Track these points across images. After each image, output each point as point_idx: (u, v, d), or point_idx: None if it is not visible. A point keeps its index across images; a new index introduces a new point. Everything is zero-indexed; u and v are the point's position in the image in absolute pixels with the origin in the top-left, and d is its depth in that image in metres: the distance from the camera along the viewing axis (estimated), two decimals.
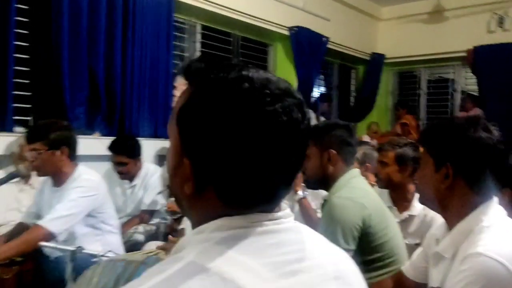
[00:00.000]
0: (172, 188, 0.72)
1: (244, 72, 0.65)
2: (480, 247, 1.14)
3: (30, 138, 2.22)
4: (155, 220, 3.27)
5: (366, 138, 6.21)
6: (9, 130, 3.04)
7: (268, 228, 0.66)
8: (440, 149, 1.29)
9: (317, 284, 0.67)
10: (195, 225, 0.69)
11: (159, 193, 3.00)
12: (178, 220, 3.31)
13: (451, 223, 1.29)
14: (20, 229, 2.41)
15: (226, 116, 0.62)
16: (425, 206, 2.30)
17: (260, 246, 0.64)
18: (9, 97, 3.04)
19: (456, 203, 1.27)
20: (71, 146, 2.27)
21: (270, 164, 0.64)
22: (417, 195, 2.37)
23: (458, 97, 6.93)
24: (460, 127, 1.26)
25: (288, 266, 0.64)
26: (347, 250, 1.71)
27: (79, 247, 1.81)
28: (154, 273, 0.60)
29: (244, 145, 0.62)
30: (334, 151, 1.87)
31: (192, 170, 0.66)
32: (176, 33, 4.47)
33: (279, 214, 0.68)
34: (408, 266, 1.58)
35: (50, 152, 2.19)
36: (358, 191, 1.84)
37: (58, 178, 2.29)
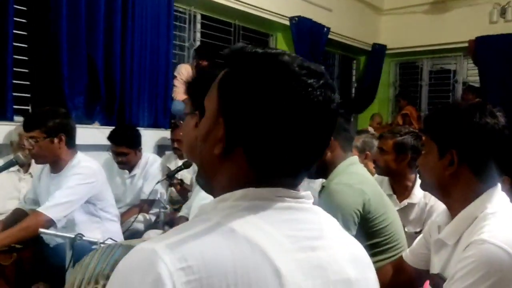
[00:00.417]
0: (200, 155, 0.74)
1: (285, 51, 0.71)
2: (484, 234, 1.13)
3: (28, 126, 2.22)
4: (155, 210, 3.27)
5: (370, 129, 6.18)
6: (9, 119, 3.03)
7: (290, 205, 0.69)
8: (445, 135, 1.25)
9: (332, 261, 0.69)
10: (218, 192, 0.71)
11: (158, 182, 2.99)
12: (178, 210, 3.31)
13: (454, 210, 1.27)
14: (17, 215, 2.41)
15: (267, 83, 0.66)
16: (425, 195, 2.32)
17: (283, 219, 0.67)
18: (9, 86, 3.04)
19: (459, 190, 1.25)
20: (69, 133, 2.26)
21: (299, 135, 0.67)
22: (417, 183, 2.36)
23: (459, 88, 6.90)
24: (466, 113, 1.23)
25: (307, 241, 0.67)
26: None
27: (79, 234, 1.80)
28: (183, 229, 0.63)
29: (278, 112, 0.65)
30: (331, 138, 1.87)
31: (226, 130, 0.68)
32: (176, 23, 4.45)
33: (302, 193, 0.71)
34: (408, 252, 1.57)
35: (48, 140, 2.19)
36: (356, 177, 1.84)
37: (57, 165, 2.29)
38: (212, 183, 0.73)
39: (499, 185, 1.27)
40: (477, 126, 1.20)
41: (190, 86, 1.26)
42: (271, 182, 0.68)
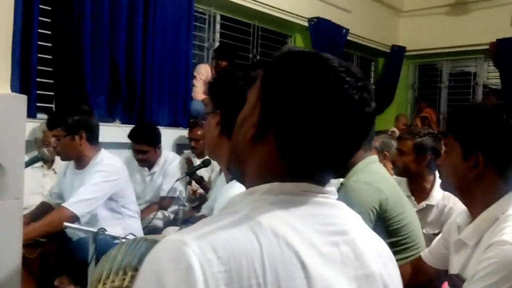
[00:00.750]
0: (235, 142, 0.77)
1: (325, 54, 0.73)
2: (505, 235, 1.13)
3: (50, 124, 2.29)
4: (174, 207, 3.31)
5: (395, 131, 6.12)
6: (33, 116, 3.10)
7: (316, 200, 0.70)
8: (470, 136, 1.23)
9: (357, 257, 0.70)
10: (248, 181, 0.73)
11: (178, 180, 3.03)
12: (196, 208, 3.35)
13: (475, 211, 1.27)
14: (43, 208, 2.48)
15: (310, 77, 0.68)
16: (444, 196, 2.31)
17: (308, 214, 0.68)
18: (33, 84, 3.11)
19: (482, 191, 1.24)
20: (90, 130, 2.31)
21: (332, 132, 0.68)
22: (436, 185, 2.36)
23: (480, 91, 6.81)
24: (492, 113, 1.21)
25: (332, 236, 0.69)
26: None
27: (101, 228, 1.84)
28: (211, 222, 0.64)
29: (312, 103, 0.67)
30: None
31: (261, 115, 0.71)
32: (196, 23, 4.50)
33: (327, 189, 0.73)
34: (427, 252, 1.57)
35: (69, 137, 2.25)
36: (375, 176, 1.85)
37: (80, 161, 2.35)
38: (243, 169, 0.75)
39: None
40: (504, 127, 1.19)
41: (211, 86, 1.28)
42: (298, 174, 0.70)
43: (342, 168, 0.75)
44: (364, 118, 0.70)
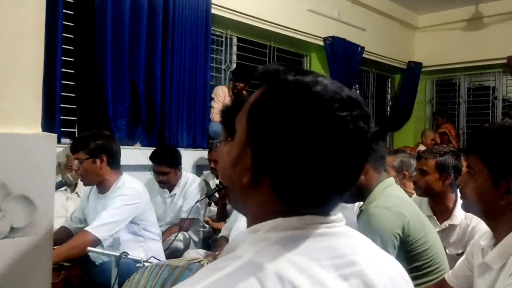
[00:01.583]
0: (230, 180, 0.74)
1: (319, 78, 0.68)
2: None
3: (74, 148, 2.35)
4: (194, 229, 3.33)
5: (421, 147, 6.06)
6: (57, 141, 3.17)
7: (321, 231, 0.67)
8: (502, 163, 1.19)
9: None
10: (250, 221, 0.71)
11: (198, 201, 3.05)
12: (215, 229, 3.36)
13: (499, 233, 1.24)
14: (63, 233, 2.52)
15: (296, 114, 0.64)
16: (466, 216, 2.27)
17: (314, 248, 0.65)
18: (57, 109, 3.20)
19: (509, 215, 1.21)
20: (111, 154, 2.36)
21: (328, 167, 0.65)
22: (458, 204, 2.32)
23: (499, 105, 6.74)
24: None
25: (341, 270, 0.66)
26: None
27: (124, 252, 1.87)
28: (212, 271, 0.62)
29: (307, 143, 0.64)
30: None
31: (253, 161, 0.68)
32: (213, 46, 4.58)
33: (332, 218, 0.70)
34: (450, 274, 1.55)
35: (91, 160, 2.30)
36: (394, 200, 1.83)
37: (102, 185, 2.39)
38: (244, 209, 0.73)
39: None
40: None
41: (223, 114, 1.29)
42: (300, 211, 0.67)
43: (347, 194, 0.71)
44: (361, 146, 0.67)
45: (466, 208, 1.38)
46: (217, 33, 4.72)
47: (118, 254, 1.87)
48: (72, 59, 3.46)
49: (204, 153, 3.99)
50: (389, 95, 7.48)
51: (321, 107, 0.65)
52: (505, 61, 6.20)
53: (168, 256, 2.69)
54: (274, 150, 0.65)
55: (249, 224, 0.71)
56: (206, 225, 3.22)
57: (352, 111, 0.66)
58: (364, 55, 5.97)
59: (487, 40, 6.40)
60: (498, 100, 6.77)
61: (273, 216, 0.67)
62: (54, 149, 1.14)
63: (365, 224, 1.78)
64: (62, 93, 3.26)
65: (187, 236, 3.27)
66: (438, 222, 2.36)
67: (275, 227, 0.66)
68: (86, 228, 2.23)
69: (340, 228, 0.70)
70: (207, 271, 0.63)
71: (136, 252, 2.22)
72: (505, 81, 6.75)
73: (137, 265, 1.79)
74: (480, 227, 2.14)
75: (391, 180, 1.96)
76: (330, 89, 0.66)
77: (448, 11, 6.67)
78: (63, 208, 3.01)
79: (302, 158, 0.64)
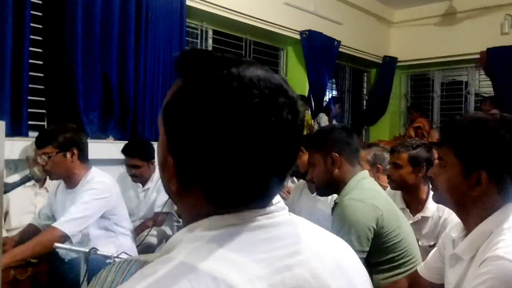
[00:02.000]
0: (163, 183, 0.71)
1: (233, 70, 0.62)
2: (499, 250, 1.12)
3: (40, 143, 2.27)
4: (168, 223, 3.28)
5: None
6: (24, 134, 3.08)
7: (260, 223, 0.64)
8: (473, 154, 1.20)
9: (313, 277, 0.65)
10: (185, 221, 0.68)
11: None
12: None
13: (469, 225, 1.25)
14: (31, 230, 2.45)
15: (212, 115, 0.60)
16: (438, 208, 2.30)
17: (253, 243, 0.62)
18: (24, 102, 3.09)
19: (479, 206, 1.22)
20: (81, 147, 2.30)
21: (256, 164, 0.61)
22: (431, 196, 2.34)
23: (472, 100, 6.87)
24: (495, 132, 1.18)
25: (282, 261, 0.63)
26: (361, 251, 1.71)
27: (93, 248, 1.82)
28: (144, 275, 0.58)
29: (228, 145, 0.60)
30: (336, 154, 1.88)
31: (176, 169, 0.65)
32: (188, 38, 4.51)
33: (272, 208, 0.66)
34: (423, 266, 1.57)
35: (61, 155, 2.23)
36: (368, 192, 1.84)
37: (71, 180, 2.32)
38: (180, 211, 0.72)
39: None
40: (508, 146, 1.16)
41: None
42: (234, 210, 0.64)
43: (283, 183, 0.67)
44: (288, 136, 0.63)
45: (437, 199, 1.38)
46: (192, 25, 4.65)
47: (87, 250, 1.82)
48: (40, 50, 3.35)
49: None
50: (365, 90, 7.54)
51: (237, 104, 0.60)
52: (478, 56, 6.32)
53: (141, 252, 2.64)
54: (196, 155, 0.62)
55: (185, 224, 0.68)
56: (180, 220, 3.17)
57: (274, 102, 0.61)
58: (340, 49, 5.99)
59: (460, 35, 6.50)
60: (470, 94, 6.90)
61: (207, 216, 0.64)
62: (2, 136, 1.08)
63: (340, 216, 1.79)
64: (29, 85, 3.15)
65: (161, 231, 3.23)
66: (411, 214, 2.38)
67: (211, 225, 0.63)
68: (53, 224, 2.17)
69: (281, 217, 0.67)
70: (137, 278, 0.59)
71: (107, 247, 2.17)
72: (477, 76, 6.88)
73: (107, 261, 1.74)
74: (452, 219, 2.17)
75: (365, 173, 1.97)
76: (247, 82, 0.61)
77: (423, 6, 6.75)
78: (31, 204, 2.92)
79: (226, 159, 0.61)
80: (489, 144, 1.18)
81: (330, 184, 1.91)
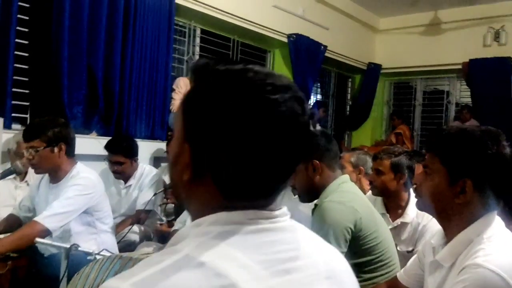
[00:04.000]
0: (173, 176, 0.74)
1: (249, 66, 0.68)
2: (479, 258, 1.13)
3: (28, 136, 2.22)
4: (150, 221, 3.27)
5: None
6: (7, 127, 3.04)
7: (264, 226, 0.67)
8: (459, 163, 1.22)
9: (309, 283, 0.68)
10: (193, 216, 0.70)
11: (156, 194, 3.00)
12: (170, 222, 3.32)
13: (451, 232, 1.27)
14: (11, 221, 2.42)
15: (228, 103, 0.64)
16: (418, 214, 2.34)
17: (256, 244, 0.65)
18: (8, 94, 3.05)
19: (462, 215, 1.24)
20: (69, 142, 2.27)
21: (268, 154, 0.64)
22: (411, 203, 2.39)
23: (452, 109, 7.01)
24: (481, 142, 1.20)
25: (282, 264, 0.65)
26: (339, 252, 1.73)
27: (74, 244, 1.80)
28: (150, 264, 0.61)
29: (243, 132, 0.63)
30: (316, 161, 1.90)
31: (192, 156, 0.67)
32: (176, 36, 4.50)
33: (276, 212, 0.69)
34: (402, 273, 1.59)
35: (48, 149, 2.19)
36: (348, 195, 1.87)
37: (56, 174, 2.29)
38: (188, 204, 0.73)
39: (496, 210, 1.26)
40: (492, 156, 1.19)
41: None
42: (243, 205, 0.67)
43: (287, 183, 0.70)
44: (298, 129, 0.66)
45: (420, 206, 1.40)
46: (181, 23, 4.65)
47: (68, 246, 1.81)
48: (26, 42, 3.30)
49: (162, 145, 3.93)
50: (349, 95, 7.62)
51: (252, 92, 0.64)
52: (460, 66, 6.44)
53: (121, 249, 2.63)
54: (212, 143, 0.65)
55: (193, 218, 0.70)
56: (163, 218, 3.17)
57: (285, 94, 0.65)
58: (326, 54, 6.05)
59: (443, 45, 6.62)
60: (451, 104, 7.04)
61: (216, 211, 0.66)
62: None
63: (319, 217, 1.82)
64: (14, 77, 3.11)
65: (142, 229, 3.21)
66: (390, 219, 2.42)
67: (217, 221, 0.66)
68: (35, 218, 2.14)
69: (284, 223, 0.70)
70: (143, 265, 0.61)
71: (88, 244, 2.15)
72: (459, 86, 7.02)
73: (88, 257, 1.73)
74: (431, 225, 2.22)
75: (346, 177, 2.00)
76: (261, 74, 0.66)
77: (409, 15, 6.86)
78: (11, 196, 2.88)
79: (240, 147, 0.64)
80: (476, 153, 1.20)
81: (311, 191, 1.93)
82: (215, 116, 0.64)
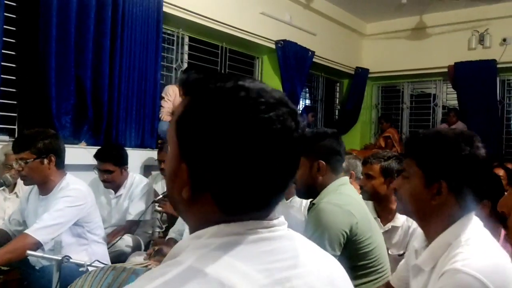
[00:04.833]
0: (171, 193, 0.74)
1: (240, 82, 0.68)
2: (457, 263, 1.14)
3: (17, 147, 2.21)
4: (141, 231, 3.26)
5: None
6: None
7: (263, 236, 0.68)
8: (434, 165, 1.25)
9: None
10: (192, 229, 0.71)
11: (149, 205, 2.98)
12: (164, 232, 3.31)
13: (430, 235, 1.29)
14: (0, 236, 2.39)
15: (222, 123, 0.65)
16: (408, 218, 2.36)
17: (256, 253, 0.66)
18: None
19: (440, 217, 1.26)
20: (59, 154, 2.26)
21: (264, 170, 0.66)
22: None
23: (439, 112, 7.09)
24: (455, 143, 1.24)
25: (282, 272, 0.67)
26: (333, 255, 1.74)
27: (66, 256, 1.79)
28: (153, 276, 0.61)
29: (239, 151, 0.64)
30: (323, 162, 1.89)
31: (189, 176, 0.68)
32: (164, 44, 4.51)
33: (274, 222, 0.71)
34: (394, 276, 1.61)
35: (38, 161, 2.18)
36: (346, 198, 1.85)
37: (45, 186, 2.28)
38: (187, 218, 0.74)
39: (473, 212, 1.28)
40: (467, 158, 1.22)
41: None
42: (241, 218, 0.68)
43: (283, 194, 0.72)
44: (292, 144, 0.68)
45: (400, 209, 1.42)
46: (169, 31, 4.65)
47: (59, 258, 1.80)
48: (13, 53, 3.29)
49: (153, 153, 3.91)
50: (337, 99, 7.67)
51: (246, 111, 0.65)
52: (446, 70, 6.53)
53: (113, 260, 2.61)
54: (209, 163, 0.66)
55: (192, 231, 0.71)
56: (163, 226, 3.15)
57: (278, 111, 0.66)
58: (314, 60, 6.09)
59: (429, 49, 6.71)
60: (438, 107, 7.12)
61: (216, 224, 0.68)
62: None
63: (315, 218, 1.80)
64: (1, 88, 3.09)
65: (133, 239, 3.20)
66: (381, 224, 2.44)
67: (217, 233, 0.67)
68: (26, 231, 2.12)
69: (282, 232, 0.71)
70: (147, 278, 0.62)
71: (79, 255, 2.14)
72: (445, 89, 7.11)
73: (80, 269, 1.72)
74: (419, 229, 2.25)
75: (346, 179, 1.99)
76: (253, 92, 0.66)
77: (394, 20, 6.94)
78: (0, 208, 2.85)
79: (236, 166, 0.65)
80: (450, 155, 1.23)
81: (311, 189, 1.91)
82: (210, 138, 0.65)
